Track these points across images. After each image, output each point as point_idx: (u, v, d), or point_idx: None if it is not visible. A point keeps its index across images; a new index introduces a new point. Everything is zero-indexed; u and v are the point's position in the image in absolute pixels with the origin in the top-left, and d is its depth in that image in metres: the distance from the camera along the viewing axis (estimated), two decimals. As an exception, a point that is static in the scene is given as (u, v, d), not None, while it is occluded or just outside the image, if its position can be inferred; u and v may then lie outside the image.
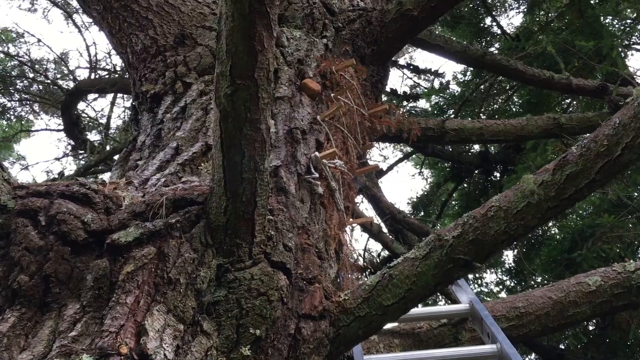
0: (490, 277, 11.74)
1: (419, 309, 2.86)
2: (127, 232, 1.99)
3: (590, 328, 8.63)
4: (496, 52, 9.36)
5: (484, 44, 10.91)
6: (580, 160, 2.06)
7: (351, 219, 3.02)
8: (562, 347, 8.36)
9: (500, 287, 10.92)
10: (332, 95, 3.18)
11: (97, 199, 2.15)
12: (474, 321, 2.78)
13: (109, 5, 3.45)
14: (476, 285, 11.09)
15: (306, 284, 2.22)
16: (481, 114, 10.25)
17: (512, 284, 10.47)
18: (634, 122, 1.99)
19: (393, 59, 13.36)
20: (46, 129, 12.50)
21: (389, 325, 2.89)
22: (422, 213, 10.59)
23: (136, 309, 1.84)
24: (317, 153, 2.76)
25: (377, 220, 6.19)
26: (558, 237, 9.53)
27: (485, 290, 11.03)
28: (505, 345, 2.36)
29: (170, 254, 1.98)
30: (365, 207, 8.05)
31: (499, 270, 10.73)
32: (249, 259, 2.14)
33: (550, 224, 10.09)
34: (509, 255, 10.69)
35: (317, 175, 2.70)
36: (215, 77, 2.04)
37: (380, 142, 6.43)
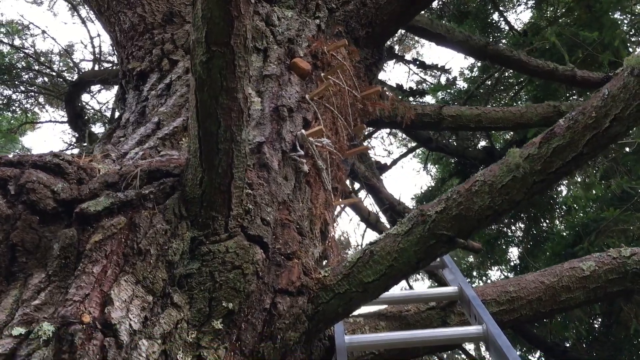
0: (495, 274, 11.66)
1: (406, 292, 2.80)
2: (96, 202, 1.93)
3: (595, 326, 8.54)
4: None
5: (490, 39, 10.81)
6: (567, 132, 1.99)
7: (339, 200, 2.95)
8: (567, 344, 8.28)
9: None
10: (322, 75, 3.12)
11: (70, 170, 2.09)
12: (462, 304, 2.71)
13: (98, -17, 3.40)
14: (481, 282, 11.01)
15: (284, 259, 2.15)
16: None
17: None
18: (624, 92, 1.91)
19: (399, 53, 13.30)
20: (50, 121, 12.51)
21: (375, 308, 2.83)
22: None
23: (103, 278, 1.78)
24: (303, 131, 2.70)
25: (375, 210, 6.11)
26: (563, 232, 9.45)
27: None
28: (491, 325, 2.29)
29: (141, 224, 1.92)
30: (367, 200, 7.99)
31: (505, 268, 10.64)
32: (225, 232, 2.08)
33: (555, 219, 10.02)
34: (514, 252, 10.60)
35: (302, 152, 2.63)
36: (191, 44, 1.98)
37: (374, 127, 6.36)
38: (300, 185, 2.63)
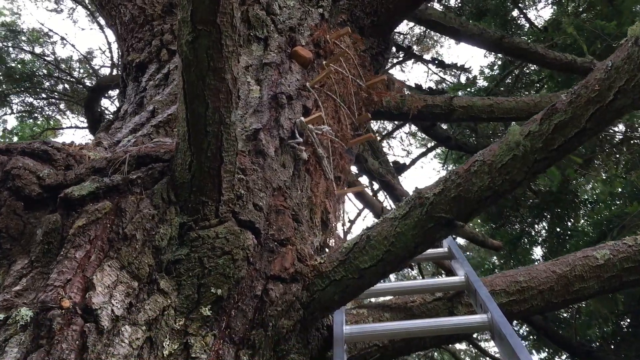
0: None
1: (411, 282, 2.71)
2: (81, 186, 1.89)
3: (623, 325, 8.33)
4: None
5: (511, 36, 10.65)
6: (569, 108, 1.89)
7: (342, 189, 2.88)
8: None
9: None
10: (324, 63, 3.05)
11: (58, 156, 2.06)
12: (469, 294, 2.61)
13: (99, -24, 3.39)
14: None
15: (277, 245, 2.09)
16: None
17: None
18: (628, 63, 1.81)
19: (418, 53, 13.19)
20: (71, 127, 12.64)
21: (380, 299, 2.74)
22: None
23: (86, 263, 1.73)
24: (302, 118, 2.64)
25: (390, 206, 6.01)
26: (587, 229, 9.26)
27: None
28: (496, 314, 2.19)
29: (127, 209, 1.88)
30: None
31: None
32: (215, 217, 2.02)
33: (580, 217, 9.81)
34: (537, 252, 10.40)
35: (300, 140, 2.57)
36: (178, 24, 1.93)
37: (382, 118, 6.27)
38: (299, 173, 2.56)
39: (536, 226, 10.33)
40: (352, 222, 8.05)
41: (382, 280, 2.36)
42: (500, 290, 2.76)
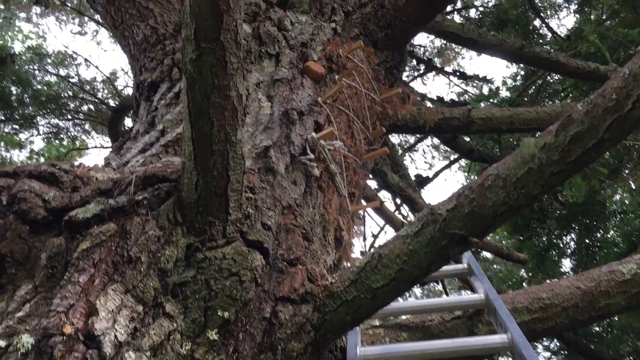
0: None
1: (429, 300, 2.63)
2: (85, 209, 1.86)
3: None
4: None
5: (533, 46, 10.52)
6: (586, 118, 1.81)
7: (357, 205, 2.82)
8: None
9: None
10: (336, 77, 3.01)
11: (65, 178, 2.04)
12: (490, 312, 2.53)
13: (112, -2, 3.40)
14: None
15: (286, 265, 2.04)
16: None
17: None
18: (647, 70, 1.74)
19: (439, 65, 13.11)
20: (96, 147, 12.78)
21: (398, 319, 2.67)
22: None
23: (90, 288, 1.70)
24: (313, 134, 2.59)
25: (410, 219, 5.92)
26: (616, 240, 9.06)
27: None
28: (516, 335, 2.10)
29: (132, 231, 1.84)
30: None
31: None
32: (223, 237, 1.98)
33: (609, 228, 9.59)
34: (565, 264, 10.18)
35: (312, 156, 2.52)
36: (182, 42, 1.91)
37: (399, 132, 6.20)
38: (311, 190, 2.52)
39: (564, 238, 10.12)
40: (375, 236, 7.95)
41: (399, 298, 2.29)
42: (522, 307, 2.67)
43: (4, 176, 2.02)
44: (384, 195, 6.99)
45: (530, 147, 1.88)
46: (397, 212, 7.85)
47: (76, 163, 2.32)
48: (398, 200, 8.74)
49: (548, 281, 10.67)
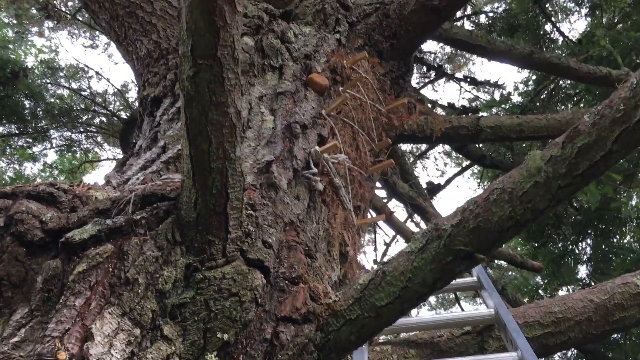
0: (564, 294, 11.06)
1: (437, 315, 2.58)
2: (82, 230, 1.83)
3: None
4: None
5: (545, 50, 10.45)
6: (593, 129, 1.76)
7: (362, 219, 2.77)
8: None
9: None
10: (340, 89, 2.97)
11: (64, 199, 2.02)
12: (500, 328, 2.47)
13: (115, 14, 3.39)
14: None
15: (288, 284, 1.99)
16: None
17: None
18: (655, 79, 1.68)
19: (449, 72, 13.04)
20: (108, 159, 12.84)
21: (405, 335, 2.62)
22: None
23: (86, 311, 1.67)
24: (317, 147, 2.55)
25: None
26: (633, 245, 8.93)
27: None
28: (526, 352, 2.04)
29: (129, 252, 1.81)
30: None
31: (576, 287, 10.09)
32: (222, 256, 1.94)
33: (626, 233, 9.45)
34: (582, 270, 10.04)
35: (315, 170, 2.48)
36: (179, 59, 1.89)
37: (406, 142, 6.14)
38: (315, 204, 2.47)
39: (580, 244, 9.98)
40: (387, 244, 7.89)
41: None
42: (534, 321, 2.61)
43: (2, 197, 2.00)
44: (394, 205, 6.94)
45: (537, 160, 1.83)
46: (410, 220, 7.79)
47: (84, 179, 2.30)
48: (410, 209, 8.68)
49: (564, 289, 10.54)
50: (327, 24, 3.40)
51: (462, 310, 10.60)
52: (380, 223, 5.14)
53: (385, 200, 6.75)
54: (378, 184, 5.28)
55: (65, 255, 1.81)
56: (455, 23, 8.64)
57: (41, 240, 1.86)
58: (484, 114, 10.89)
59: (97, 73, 12.81)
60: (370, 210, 5.82)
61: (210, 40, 1.79)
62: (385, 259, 2.04)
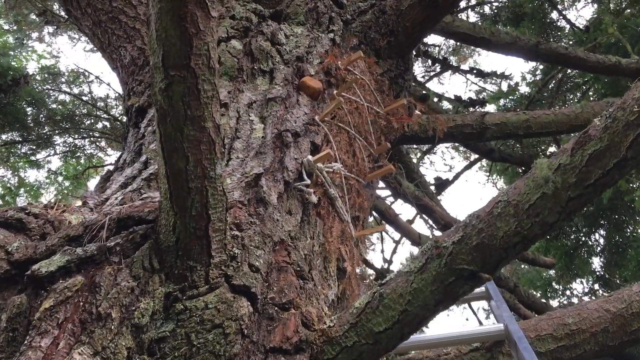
0: (578, 286, 10.92)
1: (444, 332, 2.42)
2: (50, 261, 1.68)
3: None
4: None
5: (550, 39, 10.26)
6: (605, 134, 1.59)
7: (361, 231, 2.61)
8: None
9: (593, 297, 10.17)
10: (334, 92, 2.81)
11: (34, 224, 1.87)
12: (510, 344, 2.31)
13: (98, 20, 3.24)
14: (565, 297, 10.29)
15: (278, 311, 1.84)
16: (554, 114, 9.56)
17: (606, 292, 9.69)
18: (673, 77, 1.51)
19: (455, 64, 12.84)
20: (112, 164, 12.75)
21: (410, 353, 2.46)
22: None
23: (53, 352, 1.52)
24: (309, 157, 2.39)
25: (429, 232, 5.69)
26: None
27: (575, 300, 10.19)
28: (538, 373, 1.88)
29: (102, 283, 1.66)
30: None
31: (590, 279, 9.92)
32: (205, 283, 1.78)
33: (639, 223, 9.24)
34: (596, 262, 9.86)
35: (309, 182, 2.33)
36: (150, 71, 1.73)
37: (408, 144, 5.97)
38: (308, 218, 2.32)
39: (593, 236, 9.80)
40: (395, 247, 7.72)
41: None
42: (547, 335, 2.45)
43: (-33, 225, 1.86)
44: (399, 206, 6.76)
45: (544, 169, 1.66)
46: (418, 217, 7.62)
47: (87, 183, 2.16)
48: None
49: (577, 281, 10.34)
50: (320, 23, 3.24)
51: (474, 312, 10.42)
52: (387, 227, 4.97)
53: (391, 201, 6.59)
54: (382, 184, 5.11)
55: (32, 289, 1.66)
56: (458, 15, 8.44)
57: (7, 272, 1.71)
58: (492, 105, 10.71)
59: (97, 77, 12.67)
60: (374, 214, 5.67)
61: (183, 49, 1.64)
62: (373, 289, 1.88)
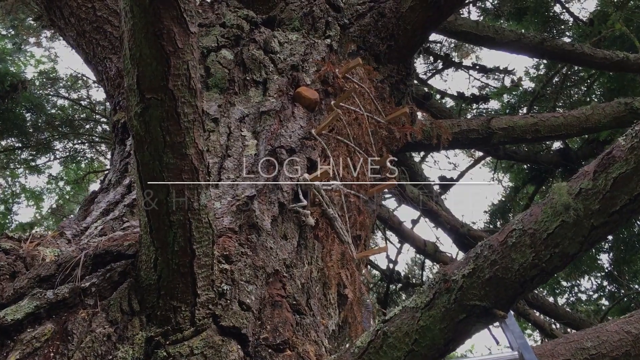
0: (586, 284, 10.76)
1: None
2: (17, 307, 1.52)
3: None
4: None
5: (554, 33, 10.08)
6: (631, 155, 1.42)
7: (362, 252, 2.44)
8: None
9: (600, 293, 10.02)
10: (332, 103, 2.64)
11: (3, 262, 1.71)
12: (525, 374, 2.14)
13: (82, 30, 3.07)
14: (571, 295, 10.13)
15: (272, 353, 1.67)
16: (558, 109, 9.38)
17: (614, 289, 9.56)
18: None
19: (457, 60, 12.66)
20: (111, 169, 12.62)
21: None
22: (501, 222, 9.75)
23: (19, 414, 1.36)
24: (306, 175, 2.23)
25: (436, 236, 5.52)
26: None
27: (584, 297, 10.03)
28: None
29: (75, 331, 1.50)
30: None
31: (598, 276, 9.76)
32: (191, 325, 1.62)
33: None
34: (604, 258, 9.69)
35: (305, 202, 2.16)
36: (125, 93, 1.57)
37: (412, 152, 5.80)
38: (306, 242, 2.15)
39: (601, 232, 9.60)
40: (399, 248, 7.55)
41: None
42: (564, 360, 2.27)
43: None
44: (403, 210, 6.61)
45: (563, 194, 1.49)
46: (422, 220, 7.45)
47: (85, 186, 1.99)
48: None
49: (585, 278, 10.16)
50: (316, 29, 3.07)
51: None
52: (388, 233, 4.81)
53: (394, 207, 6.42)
54: (385, 191, 4.95)
55: (-2, 339, 1.50)
56: (459, 12, 8.27)
57: (-29, 320, 1.55)
58: (495, 101, 10.52)
59: (94, 82, 12.55)
60: (377, 222, 5.50)
61: (159, 69, 1.48)
62: (376, 327, 1.72)
